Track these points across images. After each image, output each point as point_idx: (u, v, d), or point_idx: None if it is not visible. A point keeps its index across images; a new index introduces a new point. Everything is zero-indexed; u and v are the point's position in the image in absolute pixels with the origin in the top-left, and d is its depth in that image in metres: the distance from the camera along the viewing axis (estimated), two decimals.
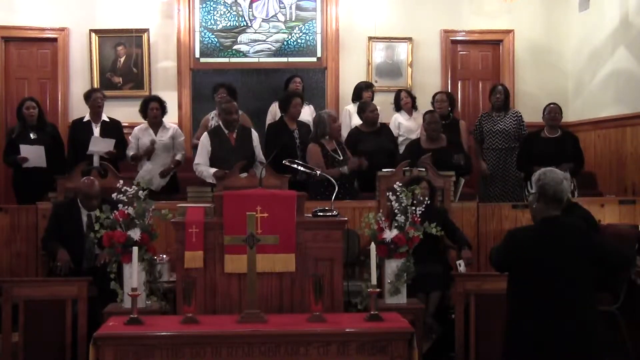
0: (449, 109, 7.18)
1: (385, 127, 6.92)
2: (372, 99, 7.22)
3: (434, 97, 7.25)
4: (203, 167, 6.10)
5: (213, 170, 6.00)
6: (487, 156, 7.08)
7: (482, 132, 7.10)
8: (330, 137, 6.20)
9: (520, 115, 7.13)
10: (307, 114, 7.17)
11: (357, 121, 6.98)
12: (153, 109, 6.65)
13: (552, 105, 6.73)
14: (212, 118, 6.88)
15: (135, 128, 6.79)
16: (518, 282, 3.32)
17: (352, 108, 7.30)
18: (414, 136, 6.99)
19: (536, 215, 3.41)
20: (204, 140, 6.20)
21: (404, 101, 7.31)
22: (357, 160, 6.10)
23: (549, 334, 3.19)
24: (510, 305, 3.37)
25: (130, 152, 6.68)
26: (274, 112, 7.19)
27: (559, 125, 6.74)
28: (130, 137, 6.77)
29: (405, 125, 7.22)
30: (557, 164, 6.24)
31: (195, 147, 6.74)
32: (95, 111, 6.78)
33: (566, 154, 6.43)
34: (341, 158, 6.14)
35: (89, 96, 6.83)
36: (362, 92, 7.24)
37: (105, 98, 6.89)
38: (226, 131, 6.15)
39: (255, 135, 6.30)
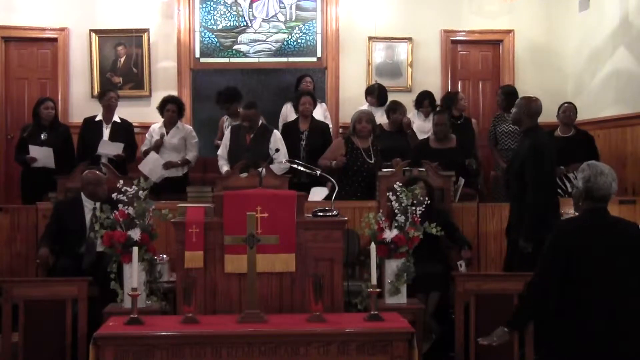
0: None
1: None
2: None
3: (456, 96, 7.34)
4: (222, 161, 6.41)
5: (226, 169, 6.23)
6: (501, 157, 7.10)
7: (496, 134, 7.14)
8: (358, 136, 6.23)
9: None
10: (319, 113, 7.17)
11: None
12: (169, 110, 6.76)
13: (566, 105, 6.90)
14: (227, 119, 6.99)
15: (152, 125, 6.90)
16: (569, 276, 3.22)
17: (366, 108, 7.29)
18: (424, 136, 7.00)
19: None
20: (227, 135, 6.50)
21: (425, 108, 7.33)
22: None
23: (608, 333, 3.14)
24: (558, 303, 3.27)
25: (144, 148, 6.79)
26: (285, 114, 7.19)
27: (574, 124, 6.83)
28: (146, 134, 6.88)
29: (417, 125, 7.26)
30: (567, 164, 6.32)
31: (216, 148, 6.93)
32: (108, 111, 6.83)
33: (578, 153, 6.47)
34: (371, 161, 6.15)
35: (103, 95, 6.89)
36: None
37: (119, 98, 6.94)
38: (245, 130, 6.30)
39: (276, 136, 6.33)
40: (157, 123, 6.90)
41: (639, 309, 3.21)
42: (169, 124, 6.79)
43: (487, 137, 7.43)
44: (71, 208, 5.38)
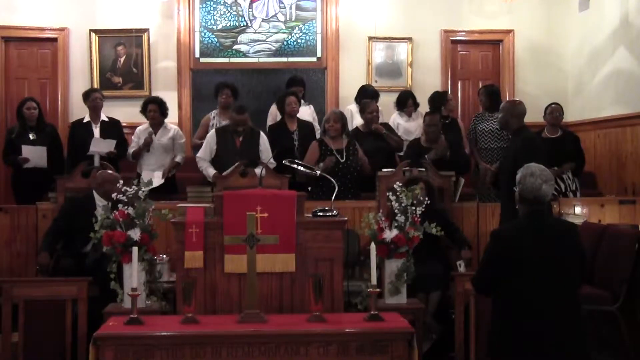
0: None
1: (387, 127, 6.88)
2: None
3: (445, 96, 7.26)
4: (205, 163, 6.22)
5: (213, 172, 6.09)
6: (481, 156, 7.07)
7: (476, 132, 7.09)
8: (329, 137, 6.20)
9: None
10: (307, 114, 7.15)
11: (359, 121, 6.94)
12: (151, 112, 6.66)
13: (553, 105, 6.81)
14: (214, 117, 6.91)
15: (138, 127, 6.82)
16: (512, 279, 3.25)
17: (355, 108, 7.27)
18: (412, 137, 6.97)
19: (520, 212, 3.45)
20: (210, 138, 6.32)
21: (409, 108, 7.28)
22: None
23: (549, 332, 3.18)
24: (503, 304, 3.31)
25: (131, 150, 6.71)
26: (274, 113, 7.18)
27: (560, 125, 6.78)
28: (132, 136, 6.80)
29: (403, 126, 7.21)
30: (558, 164, 6.29)
31: (195, 148, 6.80)
32: (94, 111, 6.80)
33: (567, 154, 6.47)
34: (343, 160, 6.11)
35: (87, 96, 6.86)
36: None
37: (104, 98, 6.91)
38: (236, 134, 6.21)
39: (263, 138, 6.31)
40: (142, 125, 6.79)
41: (578, 308, 3.26)
42: (154, 125, 6.70)
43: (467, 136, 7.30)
44: (83, 205, 5.36)
